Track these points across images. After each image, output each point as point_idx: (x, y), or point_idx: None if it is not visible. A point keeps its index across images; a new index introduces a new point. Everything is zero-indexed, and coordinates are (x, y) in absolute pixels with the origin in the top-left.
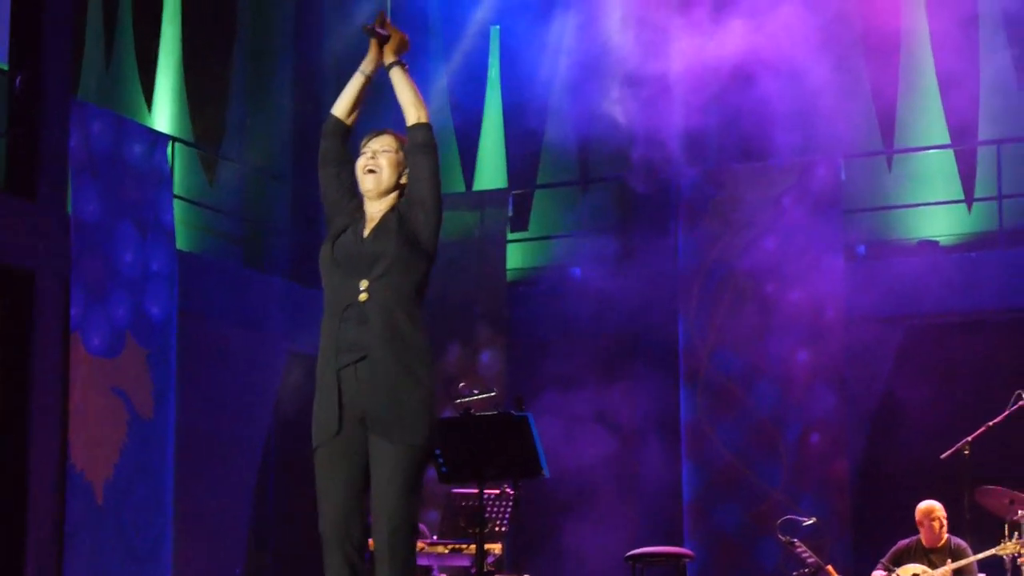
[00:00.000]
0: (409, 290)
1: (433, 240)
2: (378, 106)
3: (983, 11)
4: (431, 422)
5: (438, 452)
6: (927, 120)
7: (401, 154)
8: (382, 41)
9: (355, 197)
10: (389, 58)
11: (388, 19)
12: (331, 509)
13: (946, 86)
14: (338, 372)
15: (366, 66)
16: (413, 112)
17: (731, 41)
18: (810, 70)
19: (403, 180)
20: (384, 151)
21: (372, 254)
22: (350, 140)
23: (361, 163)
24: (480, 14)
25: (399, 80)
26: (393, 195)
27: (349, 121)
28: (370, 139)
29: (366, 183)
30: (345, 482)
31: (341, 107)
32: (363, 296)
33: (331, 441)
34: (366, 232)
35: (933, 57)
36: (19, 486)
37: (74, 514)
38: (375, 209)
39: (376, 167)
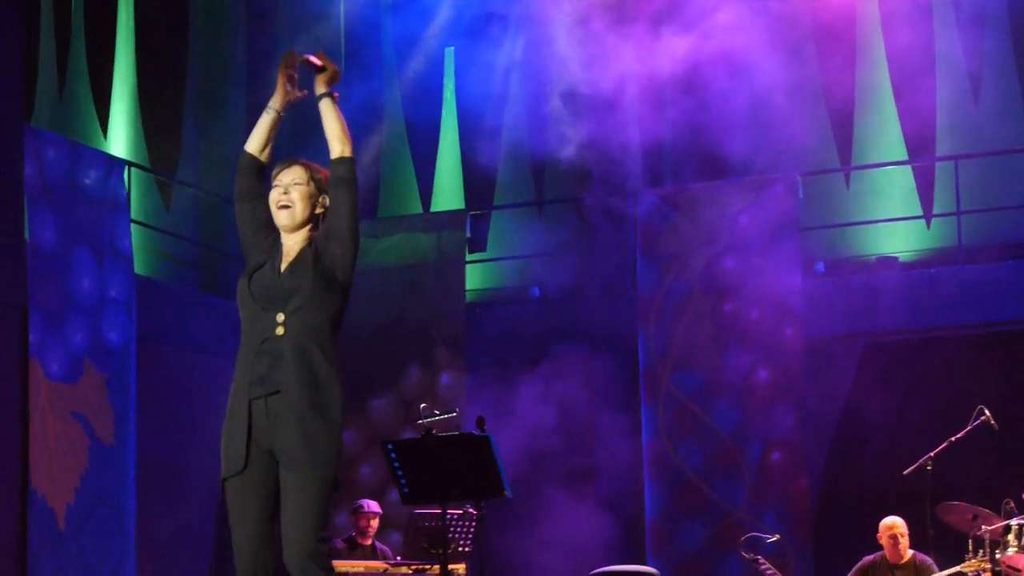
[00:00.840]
0: (324, 324)
1: (349, 274)
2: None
3: (938, 30)
4: (338, 455)
5: (400, 472)
6: (884, 137)
7: (313, 185)
8: (317, 71)
9: (272, 231)
10: (320, 88)
11: (321, 52)
12: (243, 540)
13: (903, 103)
14: (250, 403)
15: (275, 103)
16: (338, 146)
17: (684, 59)
18: (767, 89)
19: (317, 211)
20: (296, 184)
21: (288, 289)
22: (265, 176)
23: (274, 197)
24: (434, 37)
25: (328, 111)
26: (308, 227)
27: (263, 157)
28: (280, 171)
29: (280, 218)
30: (255, 513)
31: (254, 144)
32: (280, 330)
33: (239, 474)
34: (283, 267)
35: (890, 75)
36: None
37: (36, 539)
38: (291, 242)
39: (289, 202)
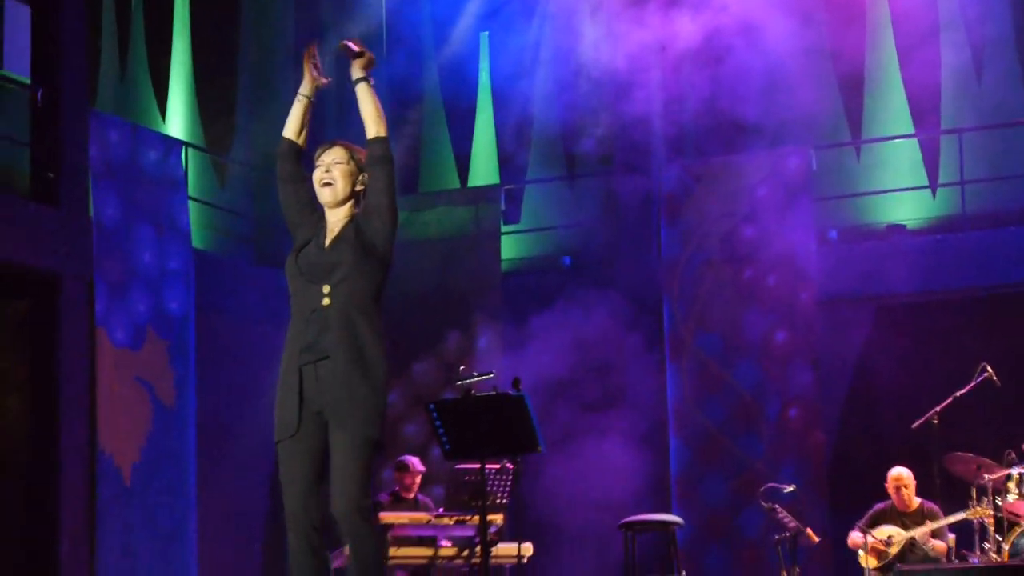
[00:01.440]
0: (367, 294)
1: (389, 247)
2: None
3: (942, 6)
4: (382, 416)
5: (442, 430)
6: (892, 112)
7: (353, 164)
8: (354, 57)
9: (315, 211)
10: (357, 73)
11: (358, 39)
12: (293, 497)
13: (910, 79)
14: (300, 369)
15: (304, 90)
16: (373, 127)
17: (703, 36)
18: (782, 69)
19: (358, 188)
20: (336, 163)
21: (332, 262)
22: (303, 158)
23: (317, 176)
24: (470, 22)
25: (364, 95)
26: (350, 204)
27: (300, 141)
28: (322, 152)
29: (323, 195)
30: (305, 470)
31: (290, 130)
32: (326, 301)
33: (292, 437)
34: (327, 242)
35: (897, 54)
36: (52, 471)
37: (104, 495)
38: (334, 219)
39: (331, 180)
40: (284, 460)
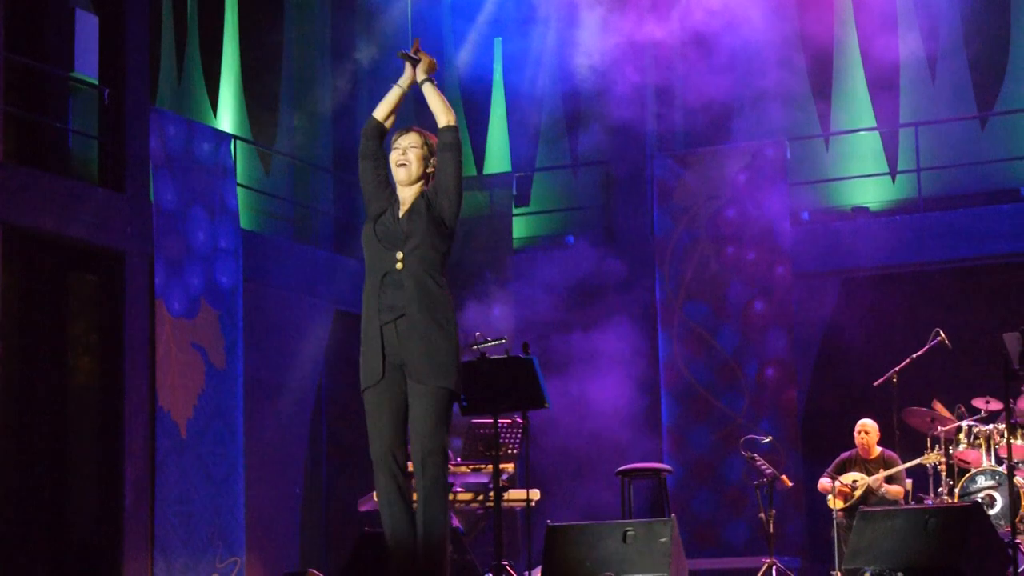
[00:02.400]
0: (436, 260)
1: (454, 221)
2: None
3: (901, 15)
4: (458, 369)
5: None
6: (857, 107)
7: (426, 149)
8: (415, 64)
9: (389, 186)
10: (421, 76)
11: (418, 43)
12: (378, 438)
13: (872, 79)
14: (381, 327)
15: (403, 81)
16: (443, 118)
17: (697, 48)
18: (761, 70)
19: (429, 169)
20: (412, 147)
21: (406, 231)
22: (385, 139)
23: (394, 157)
24: (485, 29)
25: (430, 93)
26: (420, 183)
27: (387, 124)
28: (399, 137)
29: (399, 174)
30: (389, 417)
31: (381, 112)
32: (399, 265)
33: (376, 384)
34: (401, 213)
35: (861, 57)
36: (117, 425)
37: (163, 447)
38: (407, 194)
39: (406, 161)
40: (370, 407)
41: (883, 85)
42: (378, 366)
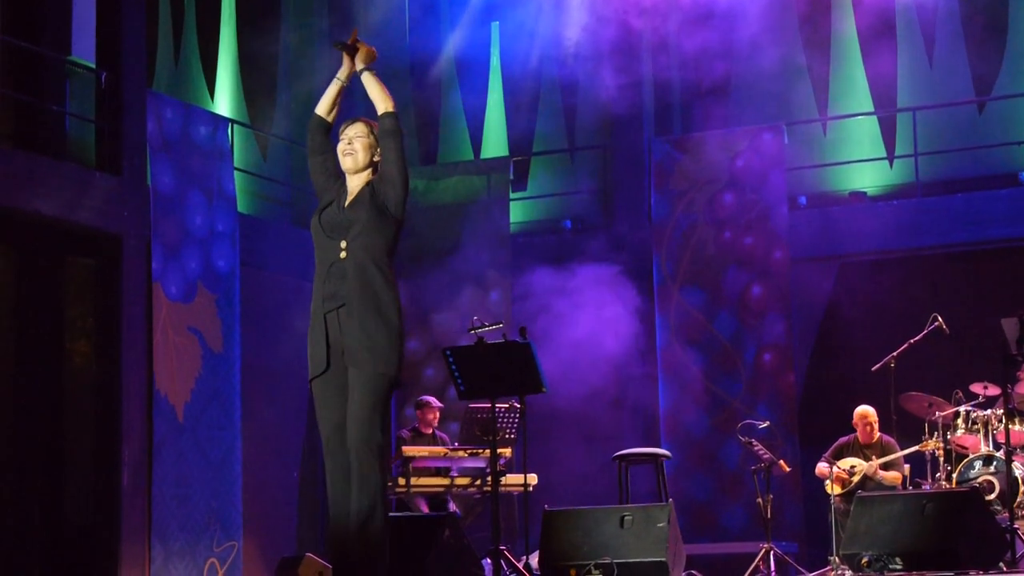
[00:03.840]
0: (380, 248)
1: (401, 208)
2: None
3: (899, 5)
4: (399, 356)
5: (457, 373)
6: (855, 92)
7: (372, 138)
8: (352, 53)
9: (339, 178)
10: (360, 66)
11: (356, 33)
12: (328, 430)
13: (870, 64)
14: (324, 316)
15: (341, 74)
16: (382, 105)
17: (695, 32)
18: (759, 54)
19: (375, 158)
20: (357, 136)
21: (349, 220)
22: (332, 134)
23: (341, 147)
24: (481, 13)
25: (369, 82)
26: (368, 171)
27: (330, 119)
28: (346, 127)
29: (345, 163)
30: (335, 405)
31: (322, 108)
32: (343, 254)
33: (323, 374)
34: (346, 203)
35: (859, 41)
36: (114, 409)
37: (160, 431)
38: (354, 184)
39: (352, 151)
40: (317, 396)
41: (881, 69)
42: (323, 356)
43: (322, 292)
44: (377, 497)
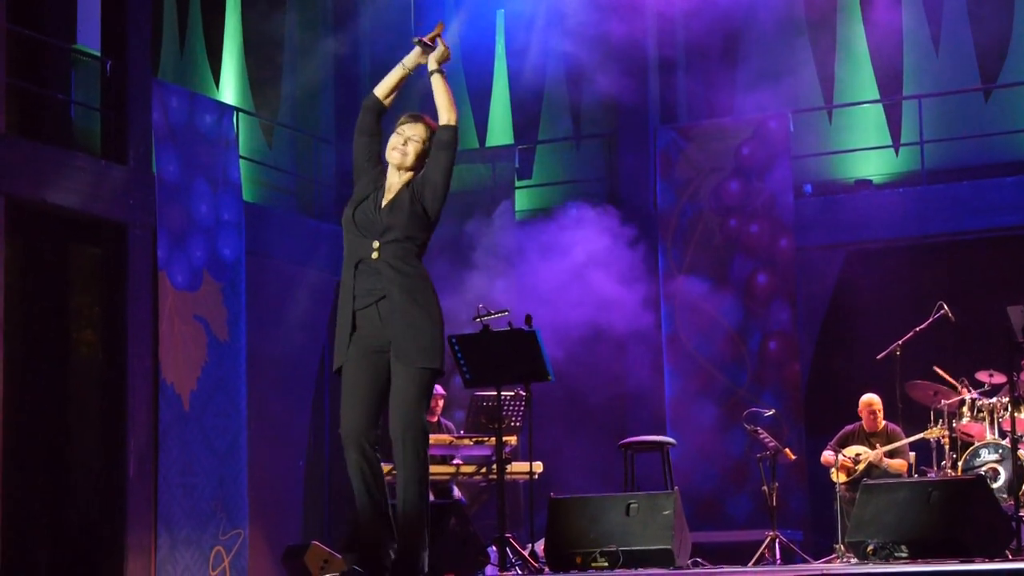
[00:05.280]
0: (412, 252)
1: (437, 215)
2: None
3: None
4: (440, 348)
5: (463, 361)
6: (860, 80)
7: (427, 144)
8: (428, 50)
9: (380, 163)
10: (433, 65)
11: (441, 29)
12: (350, 416)
13: (875, 51)
14: (355, 312)
15: (408, 62)
16: (446, 115)
17: (700, 20)
18: (765, 42)
19: (423, 163)
20: (413, 139)
21: (385, 224)
22: (384, 117)
23: (394, 141)
24: (488, 1)
25: (438, 85)
26: (411, 172)
27: (387, 102)
28: (407, 122)
29: (393, 157)
30: (363, 396)
31: (382, 90)
32: (375, 255)
33: (348, 364)
34: (384, 202)
35: (864, 29)
36: (120, 398)
37: (166, 419)
38: (394, 179)
39: (404, 150)
40: (346, 384)
41: (886, 57)
42: (346, 347)
43: (353, 288)
44: (426, 483)
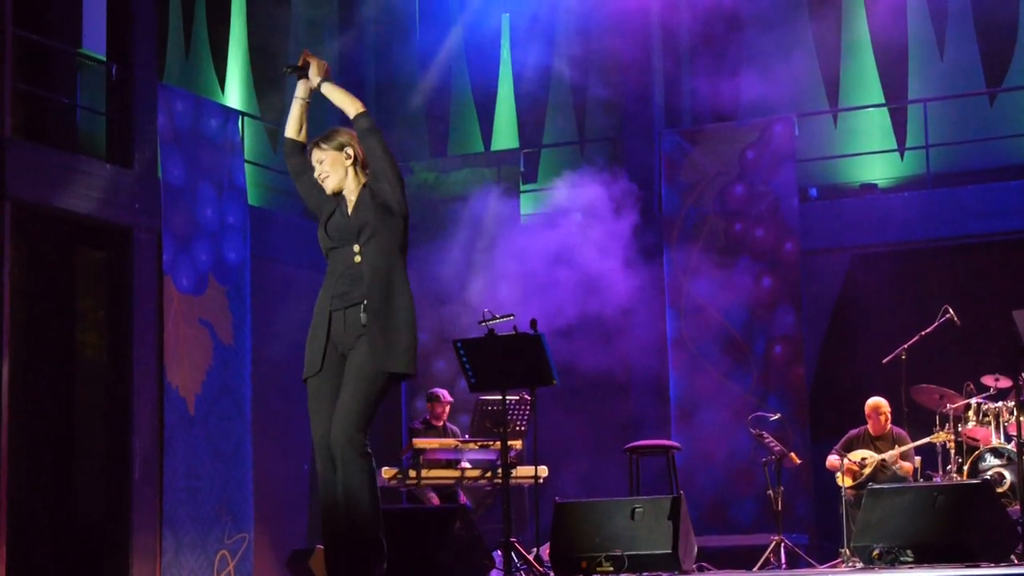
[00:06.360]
0: (392, 248)
1: (402, 203)
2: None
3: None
4: (408, 353)
5: (468, 365)
6: (865, 83)
7: (333, 152)
8: (304, 73)
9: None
10: (315, 80)
11: (307, 52)
12: (319, 426)
13: (881, 55)
14: (330, 314)
15: (300, 93)
16: (351, 109)
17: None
18: (769, 46)
19: (348, 162)
20: (322, 160)
21: (357, 225)
22: (306, 151)
23: (317, 176)
24: (492, 5)
25: (330, 92)
26: (356, 177)
27: (301, 137)
28: (312, 152)
29: (327, 186)
30: (329, 405)
31: (290, 130)
32: (357, 259)
33: (318, 374)
34: (349, 209)
35: (870, 32)
36: (125, 401)
37: (171, 423)
38: (349, 189)
39: (326, 173)
40: (311, 395)
41: (891, 61)
42: (319, 357)
43: (331, 292)
44: (361, 501)
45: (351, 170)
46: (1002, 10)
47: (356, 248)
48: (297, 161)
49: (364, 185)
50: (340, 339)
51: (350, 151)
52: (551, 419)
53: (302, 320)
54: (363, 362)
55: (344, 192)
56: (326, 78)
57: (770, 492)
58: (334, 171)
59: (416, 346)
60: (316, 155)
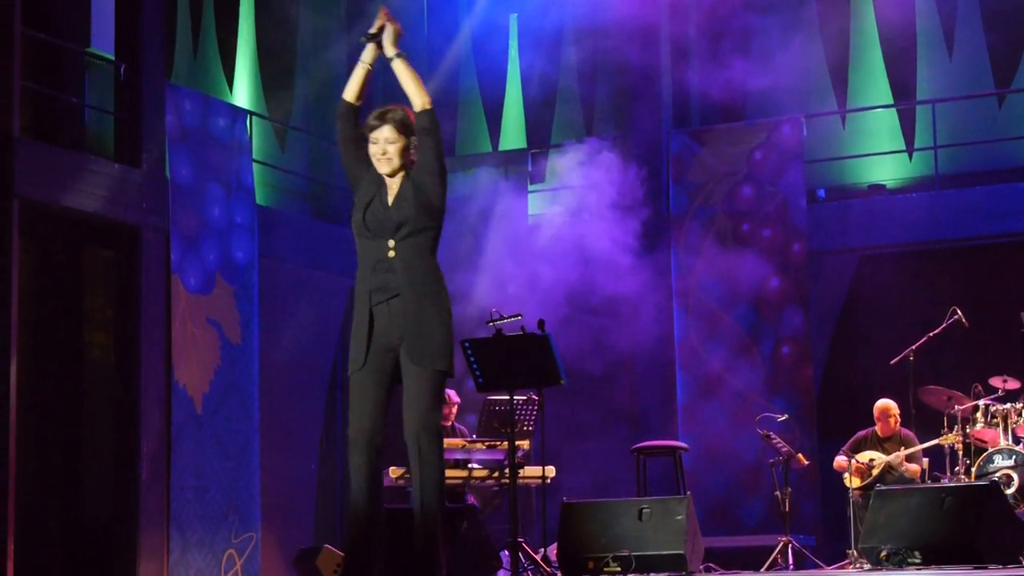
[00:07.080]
0: (427, 244)
1: (442, 200)
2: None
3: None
4: (450, 349)
5: (475, 365)
6: (874, 84)
7: (404, 139)
8: (377, 39)
9: (372, 166)
10: (390, 52)
11: (384, 11)
12: (359, 420)
13: (889, 55)
14: (371, 308)
15: (366, 56)
16: (418, 100)
17: (714, 25)
18: (777, 46)
19: (411, 156)
20: (389, 143)
21: (396, 220)
22: (360, 117)
23: (373, 151)
24: (500, 5)
25: (401, 71)
26: (405, 168)
27: (358, 103)
28: (376, 127)
29: (381, 166)
30: (373, 400)
31: (350, 93)
32: (391, 253)
33: (360, 370)
34: (390, 200)
35: (878, 32)
36: (133, 400)
37: (178, 422)
38: (393, 178)
39: (387, 157)
40: (354, 390)
41: (900, 62)
42: (362, 353)
43: (369, 285)
44: (442, 485)
45: (405, 162)
46: (1011, 10)
47: (391, 243)
48: (347, 125)
49: (408, 178)
50: (385, 332)
51: (415, 141)
52: (559, 419)
53: (310, 320)
54: (417, 358)
55: (387, 179)
56: (400, 52)
57: (777, 493)
58: (396, 157)
59: (452, 343)
60: (384, 132)
